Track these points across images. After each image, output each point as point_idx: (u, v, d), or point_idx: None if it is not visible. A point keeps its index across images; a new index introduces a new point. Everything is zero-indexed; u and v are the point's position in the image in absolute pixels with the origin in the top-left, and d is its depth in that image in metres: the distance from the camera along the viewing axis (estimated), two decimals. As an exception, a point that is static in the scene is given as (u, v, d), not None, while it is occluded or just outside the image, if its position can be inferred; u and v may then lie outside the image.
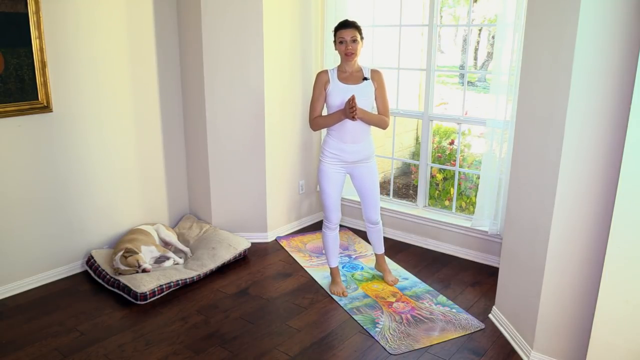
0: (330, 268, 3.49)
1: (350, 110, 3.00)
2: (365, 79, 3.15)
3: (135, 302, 3.24)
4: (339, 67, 3.19)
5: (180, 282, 3.43)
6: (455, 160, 4.35)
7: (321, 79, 3.17)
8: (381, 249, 3.59)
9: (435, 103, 4.36)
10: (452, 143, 5.72)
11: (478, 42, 7.14)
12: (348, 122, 3.13)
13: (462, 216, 4.07)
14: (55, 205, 3.50)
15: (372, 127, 3.27)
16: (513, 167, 2.90)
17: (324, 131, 3.33)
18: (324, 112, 3.25)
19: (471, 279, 3.64)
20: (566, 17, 2.31)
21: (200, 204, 4.29)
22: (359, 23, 3.15)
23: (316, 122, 3.21)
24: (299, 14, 4.14)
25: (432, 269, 3.80)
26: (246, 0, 3.78)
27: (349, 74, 3.16)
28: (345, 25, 3.09)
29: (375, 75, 3.20)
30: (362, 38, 3.12)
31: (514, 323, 2.90)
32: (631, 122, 2.03)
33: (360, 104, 3.10)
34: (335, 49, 3.17)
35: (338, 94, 3.12)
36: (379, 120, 3.19)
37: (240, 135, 4.03)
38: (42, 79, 3.26)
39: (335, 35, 3.13)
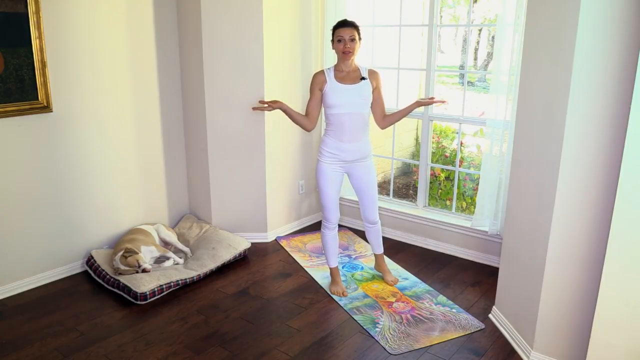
0: (330, 268, 3.49)
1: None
2: (363, 78, 3.16)
3: (135, 302, 3.24)
4: (335, 66, 3.19)
5: (180, 282, 3.43)
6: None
7: (317, 80, 3.17)
8: (380, 249, 3.59)
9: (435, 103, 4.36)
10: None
11: (478, 42, 7.14)
12: (346, 121, 3.13)
13: (462, 216, 4.07)
14: (55, 205, 3.50)
15: (371, 127, 3.27)
16: (513, 167, 2.90)
17: (322, 131, 3.34)
18: (323, 113, 3.27)
19: (471, 279, 3.64)
20: (566, 17, 2.31)
21: (200, 204, 4.29)
22: (358, 23, 3.16)
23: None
24: (299, 14, 4.14)
25: (432, 269, 3.80)
26: (246, 1, 3.78)
27: (346, 73, 3.16)
28: (344, 24, 3.10)
29: (373, 75, 3.21)
30: (360, 38, 3.13)
31: (514, 323, 2.90)
32: (631, 121, 2.03)
33: (358, 103, 3.14)
34: (333, 48, 3.17)
35: (335, 93, 3.12)
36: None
37: (240, 135, 4.03)
38: (42, 79, 3.26)
39: (333, 34, 3.13)
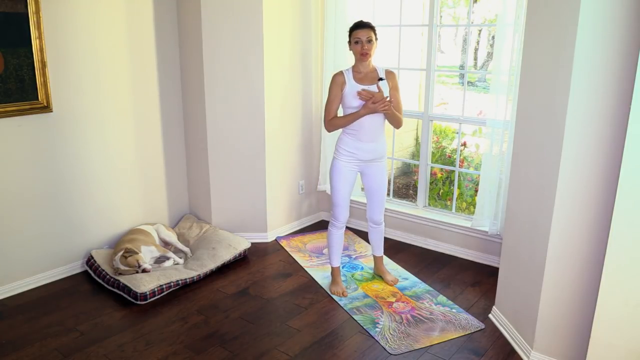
0: (332, 267, 3.49)
1: (382, 105, 3.02)
2: (380, 79, 3.17)
3: (135, 302, 3.24)
4: (353, 67, 3.20)
5: (180, 282, 3.43)
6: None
7: (337, 81, 3.17)
8: (380, 252, 3.59)
9: (435, 103, 4.36)
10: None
11: (478, 42, 7.14)
12: (365, 122, 3.13)
13: (462, 216, 4.07)
14: (55, 205, 3.50)
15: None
16: (513, 167, 2.90)
17: (337, 130, 3.33)
18: (339, 113, 3.26)
19: (471, 279, 3.64)
20: (566, 16, 2.31)
21: (200, 204, 4.29)
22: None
23: (332, 123, 3.22)
24: (299, 14, 4.14)
25: (432, 269, 3.80)
26: (246, 1, 3.78)
27: (364, 74, 3.17)
28: (361, 25, 3.12)
29: (390, 75, 3.23)
30: (376, 39, 3.14)
31: (514, 323, 2.90)
32: (631, 121, 2.03)
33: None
34: (350, 49, 3.19)
35: (355, 95, 3.12)
36: (400, 118, 3.22)
37: (240, 135, 4.03)
38: (42, 79, 3.26)
39: (350, 36, 3.15)
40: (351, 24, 3.18)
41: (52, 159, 3.44)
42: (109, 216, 3.81)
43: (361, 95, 3.06)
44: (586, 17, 2.21)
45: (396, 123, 3.24)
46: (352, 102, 3.13)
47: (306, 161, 4.52)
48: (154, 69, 3.90)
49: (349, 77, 3.16)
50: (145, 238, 3.68)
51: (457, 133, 4.45)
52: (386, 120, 3.24)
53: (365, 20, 3.17)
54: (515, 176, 2.87)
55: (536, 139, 2.61)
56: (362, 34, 3.09)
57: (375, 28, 3.14)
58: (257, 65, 3.89)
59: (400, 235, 4.30)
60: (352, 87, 3.13)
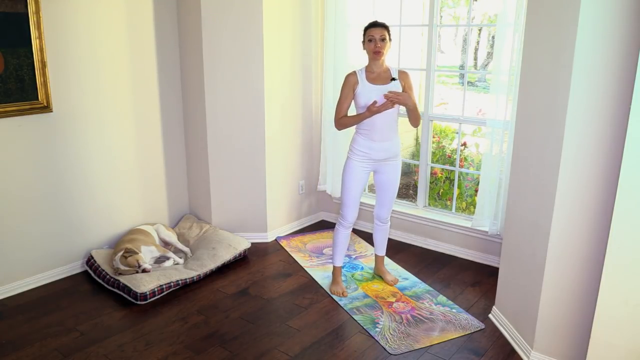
0: (334, 267, 3.48)
1: (384, 106, 3.03)
2: (393, 79, 3.17)
3: (135, 302, 3.24)
4: (366, 67, 3.21)
5: (180, 282, 3.43)
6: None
7: (350, 81, 3.18)
8: (383, 251, 3.60)
9: (435, 103, 4.36)
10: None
11: (478, 42, 7.14)
12: (378, 121, 3.14)
13: (462, 216, 4.07)
14: (55, 205, 3.50)
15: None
16: (513, 167, 2.90)
17: (352, 130, 3.34)
18: (352, 113, 3.27)
19: (471, 279, 3.64)
20: (566, 16, 2.31)
21: (200, 204, 4.29)
22: (359, 23, 3.16)
23: (341, 122, 3.24)
24: (299, 14, 4.14)
25: (432, 269, 3.80)
26: (246, 1, 3.78)
27: (377, 74, 3.17)
28: (376, 24, 3.13)
29: (403, 75, 3.23)
30: (390, 39, 3.15)
31: (514, 323, 2.90)
32: (631, 121, 2.03)
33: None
34: (364, 48, 3.20)
35: (367, 94, 3.13)
36: (418, 115, 3.23)
37: (240, 135, 4.03)
38: (42, 79, 3.26)
39: (364, 34, 3.16)
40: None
41: (52, 159, 3.43)
42: (109, 216, 3.81)
43: (387, 97, 3.05)
44: (586, 17, 2.21)
45: (414, 121, 3.26)
46: (364, 101, 3.14)
47: (306, 161, 4.52)
48: (154, 68, 3.90)
49: (361, 77, 3.16)
50: (145, 238, 3.68)
51: (457, 133, 4.45)
52: (399, 120, 3.24)
53: (380, 20, 3.18)
54: (515, 176, 2.87)
55: (536, 139, 2.61)
56: (376, 32, 3.10)
57: (390, 28, 3.15)
58: (257, 65, 3.89)
59: (400, 235, 4.30)
60: (364, 87, 3.14)
